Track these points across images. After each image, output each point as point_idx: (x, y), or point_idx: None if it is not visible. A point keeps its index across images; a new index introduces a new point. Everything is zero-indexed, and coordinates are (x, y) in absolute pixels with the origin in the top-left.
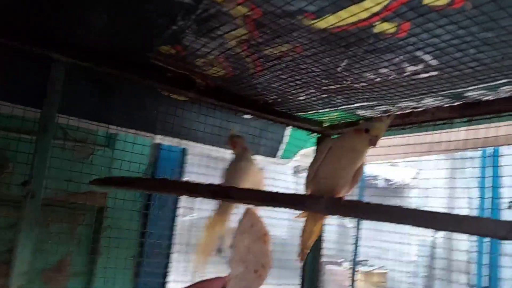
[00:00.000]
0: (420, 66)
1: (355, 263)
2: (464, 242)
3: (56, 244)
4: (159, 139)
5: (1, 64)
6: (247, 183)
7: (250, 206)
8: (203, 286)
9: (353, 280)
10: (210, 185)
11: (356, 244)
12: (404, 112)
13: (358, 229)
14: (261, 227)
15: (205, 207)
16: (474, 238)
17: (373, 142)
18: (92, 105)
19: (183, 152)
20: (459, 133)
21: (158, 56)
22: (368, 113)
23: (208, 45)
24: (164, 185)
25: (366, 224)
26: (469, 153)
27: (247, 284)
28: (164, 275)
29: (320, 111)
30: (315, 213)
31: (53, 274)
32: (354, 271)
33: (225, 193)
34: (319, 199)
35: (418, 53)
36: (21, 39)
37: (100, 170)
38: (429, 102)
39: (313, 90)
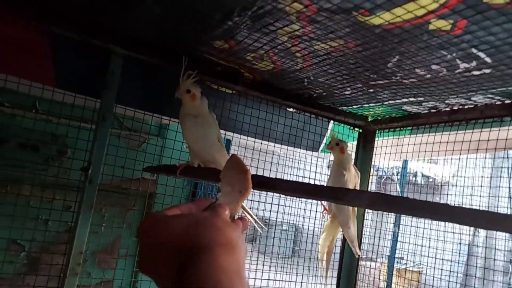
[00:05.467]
0: (473, 64)
1: (392, 260)
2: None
3: (108, 228)
4: None
5: (66, 57)
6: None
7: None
8: (196, 204)
9: (390, 278)
10: (253, 175)
11: (394, 240)
12: (452, 108)
13: (397, 225)
14: (242, 166)
15: (248, 197)
16: None
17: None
18: (146, 97)
19: (227, 143)
20: (510, 131)
21: (211, 50)
22: (414, 109)
23: (260, 40)
24: (210, 174)
25: (402, 220)
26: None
27: (233, 198)
28: None
29: (365, 105)
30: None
31: (105, 256)
32: (392, 268)
33: (270, 184)
34: (361, 194)
35: (472, 51)
36: (81, 31)
37: (152, 158)
38: (478, 99)
39: (360, 85)
